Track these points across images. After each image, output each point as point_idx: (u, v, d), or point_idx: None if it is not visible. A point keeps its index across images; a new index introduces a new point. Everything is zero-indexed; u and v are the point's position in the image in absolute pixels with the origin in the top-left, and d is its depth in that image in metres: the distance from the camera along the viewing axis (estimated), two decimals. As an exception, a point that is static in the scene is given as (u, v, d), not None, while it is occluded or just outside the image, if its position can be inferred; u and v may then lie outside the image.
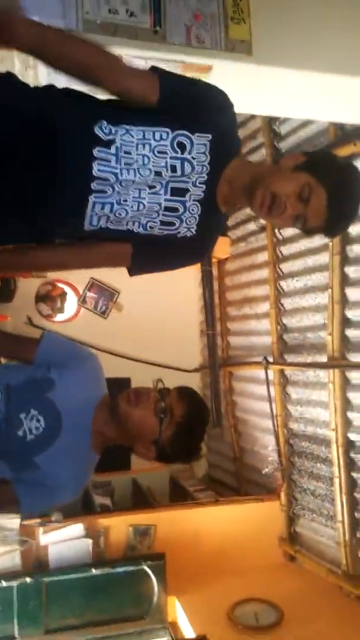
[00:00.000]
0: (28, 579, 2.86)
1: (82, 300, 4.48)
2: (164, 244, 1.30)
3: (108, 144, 1.18)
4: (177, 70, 1.67)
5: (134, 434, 1.34)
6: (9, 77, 1.28)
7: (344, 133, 2.82)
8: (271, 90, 1.91)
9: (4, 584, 2.83)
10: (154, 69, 1.24)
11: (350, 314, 2.89)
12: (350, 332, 2.90)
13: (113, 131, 1.18)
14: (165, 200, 1.24)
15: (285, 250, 3.42)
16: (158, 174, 1.21)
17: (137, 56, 1.61)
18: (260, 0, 1.73)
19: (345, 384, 2.92)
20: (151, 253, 1.32)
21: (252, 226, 3.79)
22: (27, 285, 4.26)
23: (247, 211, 3.77)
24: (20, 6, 1.47)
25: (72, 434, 1.34)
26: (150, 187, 1.22)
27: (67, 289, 4.42)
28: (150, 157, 1.20)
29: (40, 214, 1.23)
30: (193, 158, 1.22)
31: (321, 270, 3.08)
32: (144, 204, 1.23)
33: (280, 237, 3.46)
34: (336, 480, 2.97)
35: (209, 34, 1.65)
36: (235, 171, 1.27)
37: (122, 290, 4.47)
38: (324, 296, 3.04)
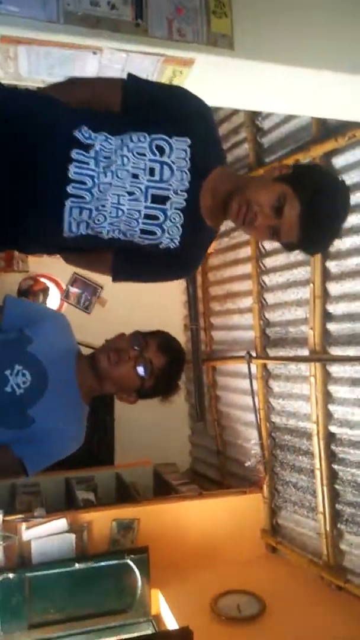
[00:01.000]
0: (11, 575, 2.85)
1: (65, 296, 4.45)
2: (147, 254, 1.27)
3: (87, 147, 1.16)
4: (159, 64, 1.66)
5: (116, 387, 1.40)
6: None
7: (326, 128, 2.85)
8: (253, 85, 1.91)
9: (-13, 579, 2.82)
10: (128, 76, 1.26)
11: (331, 308, 2.93)
12: (331, 326, 2.94)
13: (93, 137, 1.17)
14: (145, 207, 1.21)
15: (268, 245, 3.44)
16: (135, 176, 1.19)
17: (118, 49, 1.60)
18: (242, -6, 1.73)
19: (327, 377, 2.96)
20: (132, 260, 1.30)
21: (235, 221, 3.80)
22: (9, 280, 4.22)
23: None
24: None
25: (59, 383, 1.35)
26: (130, 193, 1.19)
27: (49, 283, 4.39)
28: (129, 157, 1.18)
29: (18, 217, 1.20)
30: (173, 162, 1.20)
31: (303, 265, 3.11)
32: (122, 210, 1.20)
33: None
34: (317, 473, 3.01)
35: (191, 28, 1.64)
36: (218, 181, 1.24)
37: (105, 285, 4.45)
38: (305, 291, 3.07)
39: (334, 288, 2.90)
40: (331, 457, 2.97)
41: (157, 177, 1.20)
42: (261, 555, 3.46)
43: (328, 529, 2.98)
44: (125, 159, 1.18)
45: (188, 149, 1.21)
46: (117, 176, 1.18)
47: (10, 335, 1.37)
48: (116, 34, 1.58)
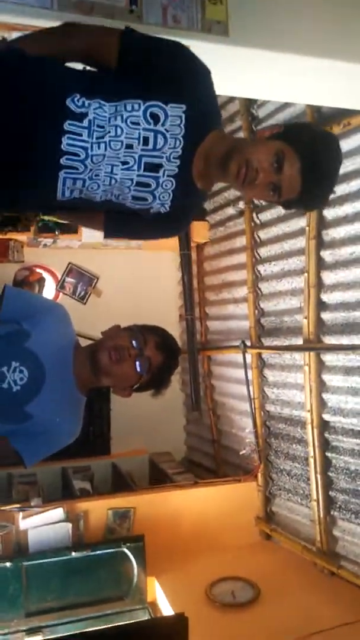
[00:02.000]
0: (8, 564, 2.87)
1: (61, 286, 4.43)
2: (137, 214, 1.29)
3: (80, 117, 1.15)
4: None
5: (114, 383, 1.42)
6: None
7: (321, 116, 2.84)
8: (248, 72, 1.90)
9: (-16, 568, 2.84)
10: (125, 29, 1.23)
11: (326, 297, 2.94)
12: (326, 315, 2.95)
13: (86, 104, 1.15)
14: (138, 175, 1.21)
15: (263, 234, 3.44)
16: (129, 146, 1.18)
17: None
18: (237, -20, 1.72)
19: (321, 366, 2.98)
20: (123, 219, 1.32)
21: (230, 211, 3.80)
22: (4, 270, 4.20)
23: (226, 195, 3.77)
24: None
25: (56, 378, 1.36)
26: (124, 162, 1.20)
27: (45, 274, 4.37)
28: (123, 127, 1.17)
29: (17, 183, 1.21)
30: (167, 130, 1.19)
31: (298, 254, 3.11)
32: (115, 179, 1.21)
33: (258, 222, 3.48)
34: (311, 460, 3.04)
35: (186, 14, 1.63)
36: (212, 144, 1.24)
37: (101, 275, 4.44)
38: (300, 280, 3.08)
39: (328, 277, 2.91)
40: (325, 445, 3.00)
41: (150, 146, 1.20)
42: (255, 542, 3.50)
43: (321, 515, 3.01)
44: (119, 129, 1.17)
45: (183, 115, 1.20)
46: (111, 147, 1.17)
47: (9, 328, 1.37)
48: (110, 21, 1.56)
